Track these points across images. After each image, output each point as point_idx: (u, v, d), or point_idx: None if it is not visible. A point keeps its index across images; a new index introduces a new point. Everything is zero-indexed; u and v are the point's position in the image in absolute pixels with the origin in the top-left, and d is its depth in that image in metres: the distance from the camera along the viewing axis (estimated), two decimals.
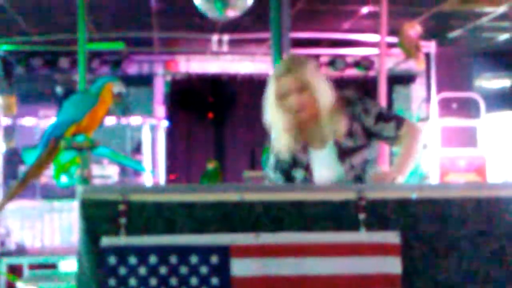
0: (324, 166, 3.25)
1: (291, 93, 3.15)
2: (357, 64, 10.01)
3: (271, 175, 3.37)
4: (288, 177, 3.31)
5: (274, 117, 3.22)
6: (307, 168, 3.28)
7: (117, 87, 4.75)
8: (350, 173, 3.20)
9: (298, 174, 3.28)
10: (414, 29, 7.79)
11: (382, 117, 3.22)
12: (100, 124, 4.84)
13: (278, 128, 3.25)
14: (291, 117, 3.19)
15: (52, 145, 4.74)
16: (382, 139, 3.25)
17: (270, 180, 3.39)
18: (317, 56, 9.72)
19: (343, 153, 3.21)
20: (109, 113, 4.95)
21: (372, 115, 3.22)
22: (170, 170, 10.34)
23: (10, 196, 4.94)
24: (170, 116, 10.34)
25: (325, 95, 3.18)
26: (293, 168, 3.30)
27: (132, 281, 2.44)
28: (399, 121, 3.23)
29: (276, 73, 3.21)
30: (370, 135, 3.23)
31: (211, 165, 9.62)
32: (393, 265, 2.48)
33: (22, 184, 4.92)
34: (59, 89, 10.11)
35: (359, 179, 3.20)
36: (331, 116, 3.18)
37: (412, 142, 3.19)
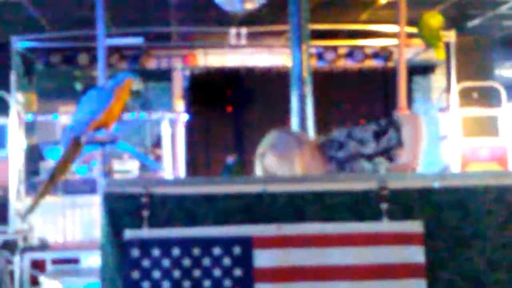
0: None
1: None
2: (376, 55, 9.96)
3: None
4: None
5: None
6: None
7: (136, 84, 4.77)
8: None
9: None
10: (434, 18, 7.74)
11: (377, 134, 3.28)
12: (118, 119, 4.86)
13: None
14: None
15: (73, 143, 4.78)
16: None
17: None
18: (335, 48, 9.69)
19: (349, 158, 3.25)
20: (128, 108, 4.97)
21: (369, 140, 3.28)
22: (189, 164, 10.35)
23: (42, 195, 4.98)
24: (189, 110, 10.35)
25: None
26: None
27: (156, 273, 2.45)
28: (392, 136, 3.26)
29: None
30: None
31: (231, 159, 9.63)
32: (416, 255, 2.47)
33: (51, 182, 4.96)
34: (78, 85, 10.15)
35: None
36: None
37: (416, 131, 3.23)
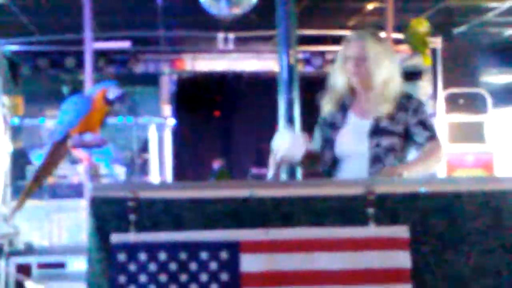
0: (353, 135, 3.30)
1: (352, 59, 3.32)
2: None
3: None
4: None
5: (335, 78, 3.41)
6: (336, 129, 3.36)
7: (112, 93, 4.75)
8: (373, 151, 3.24)
9: (328, 133, 3.38)
10: (422, 25, 7.78)
11: (424, 124, 3.32)
12: (101, 126, 4.86)
13: (335, 88, 3.42)
14: (346, 81, 3.37)
15: (55, 148, 4.79)
16: (411, 141, 3.32)
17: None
18: (322, 53, 9.71)
19: (376, 131, 3.27)
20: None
21: (418, 117, 3.33)
22: (176, 168, 10.34)
23: (24, 197, 4.97)
24: (176, 115, 10.34)
25: (383, 72, 3.32)
26: (330, 126, 3.40)
27: (142, 278, 2.45)
28: (433, 135, 3.32)
29: (348, 38, 3.41)
30: (406, 133, 3.32)
31: (217, 164, 9.62)
32: (402, 260, 2.48)
33: (34, 185, 4.96)
34: (65, 89, 10.12)
35: (377, 160, 3.23)
36: (383, 94, 3.32)
37: (431, 154, 3.26)
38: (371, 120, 3.31)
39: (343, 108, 3.40)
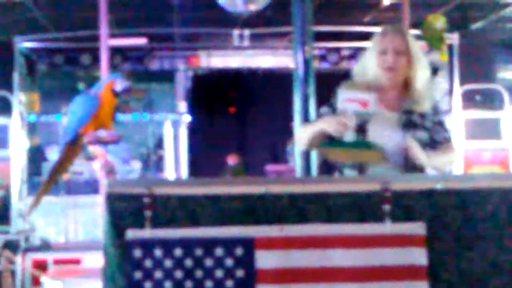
0: (386, 128, 3.26)
1: (391, 51, 3.27)
2: None
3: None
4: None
5: (364, 69, 3.33)
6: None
7: (119, 84, 4.76)
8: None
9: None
10: (438, 20, 7.74)
11: (442, 124, 3.37)
12: (113, 120, 4.86)
13: (361, 79, 3.35)
14: (382, 73, 3.29)
15: (67, 147, 4.82)
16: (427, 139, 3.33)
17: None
18: (338, 50, 9.69)
19: (409, 124, 3.27)
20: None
21: (437, 116, 3.37)
22: (191, 165, 10.36)
23: (41, 194, 5.01)
24: (192, 111, 10.35)
25: (422, 65, 3.31)
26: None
27: (158, 274, 2.45)
28: (450, 137, 3.37)
29: (384, 30, 3.35)
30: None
31: (232, 160, 9.62)
32: (418, 257, 2.47)
33: (50, 182, 5.00)
34: (81, 86, 10.16)
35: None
36: (425, 90, 3.32)
37: (448, 153, 3.30)
38: (399, 113, 3.30)
39: None
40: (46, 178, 5.18)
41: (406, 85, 3.33)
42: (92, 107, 4.74)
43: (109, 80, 4.84)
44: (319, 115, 3.38)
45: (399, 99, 3.32)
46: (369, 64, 3.33)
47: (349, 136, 3.07)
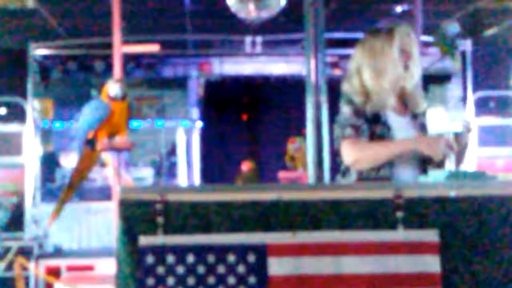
0: (405, 132, 3.24)
1: (407, 54, 3.26)
2: None
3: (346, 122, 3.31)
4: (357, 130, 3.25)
5: (386, 69, 3.26)
6: (388, 126, 3.24)
7: (112, 90, 4.74)
8: None
9: (379, 129, 3.23)
10: (451, 27, 7.72)
11: None
12: (126, 127, 4.86)
13: (385, 79, 3.27)
14: (401, 73, 3.26)
15: (85, 154, 4.81)
16: None
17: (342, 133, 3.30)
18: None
19: (422, 127, 3.28)
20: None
21: None
22: (204, 171, 10.36)
23: (62, 202, 5.01)
24: (204, 118, 10.37)
25: (419, 69, 3.33)
26: (372, 123, 3.25)
27: (170, 280, 2.45)
28: None
29: (405, 29, 3.30)
30: None
31: (246, 167, 9.61)
32: (432, 264, 2.46)
33: (70, 190, 5.00)
34: (94, 93, 10.20)
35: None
36: (420, 91, 3.37)
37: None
38: (408, 116, 3.30)
39: None
40: (65, 187, 5.18)
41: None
42: (103, 112, 4.74)
43: (105, 86, 4.85)
44: (344, 117, 3.31)
45: (399, 102, 3.32)
46: (387, 64, 3.24)
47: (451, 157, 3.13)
